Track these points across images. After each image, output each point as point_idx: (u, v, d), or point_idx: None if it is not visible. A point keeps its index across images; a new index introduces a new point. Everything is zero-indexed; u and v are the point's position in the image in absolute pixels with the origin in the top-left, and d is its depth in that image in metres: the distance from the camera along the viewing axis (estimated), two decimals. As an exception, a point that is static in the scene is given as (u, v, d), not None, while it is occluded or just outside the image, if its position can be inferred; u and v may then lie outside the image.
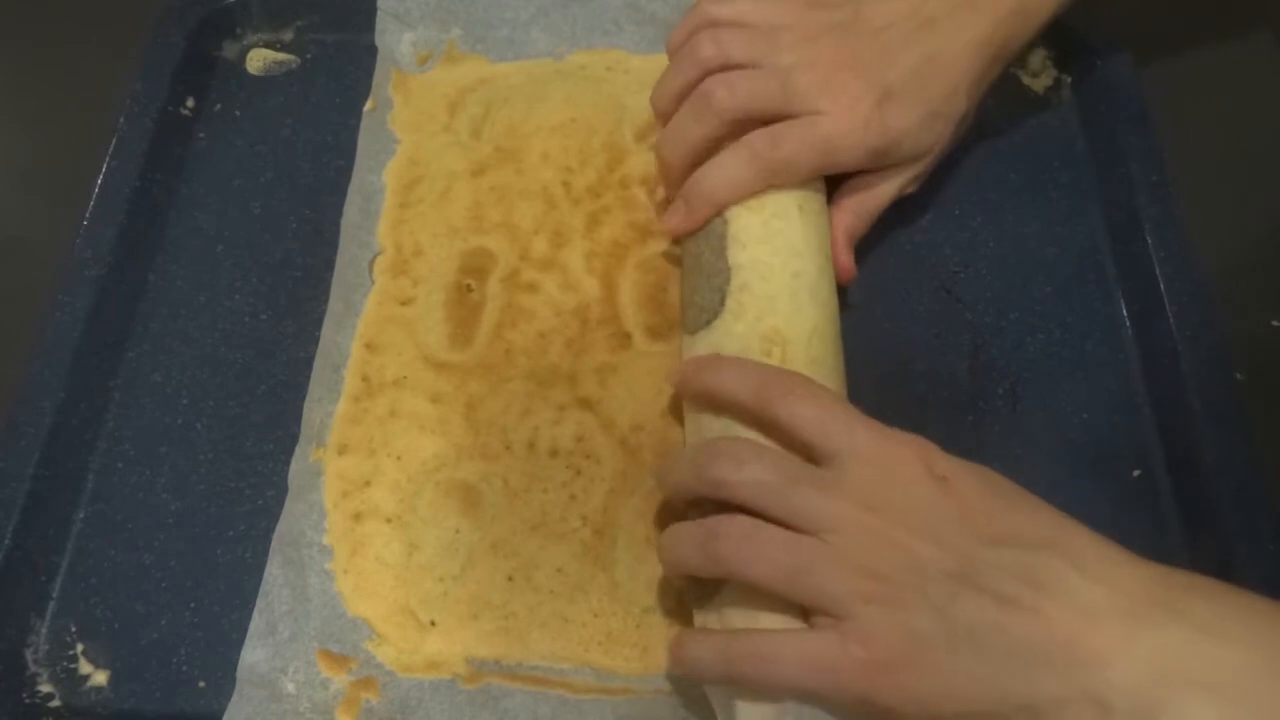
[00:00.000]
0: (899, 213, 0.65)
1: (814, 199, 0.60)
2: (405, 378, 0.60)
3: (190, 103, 0.70)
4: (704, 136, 0.59)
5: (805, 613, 0.47)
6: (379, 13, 0.72)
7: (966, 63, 0.60)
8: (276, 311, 0.63)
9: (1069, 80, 0.71)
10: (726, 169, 0.58)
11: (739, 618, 0.48)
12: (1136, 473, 0.58)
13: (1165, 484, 0.58)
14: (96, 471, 0.59)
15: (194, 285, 0.65)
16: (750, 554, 0.46)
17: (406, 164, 0.67)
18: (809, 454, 0.48)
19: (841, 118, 0.58)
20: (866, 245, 0.64)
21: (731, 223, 0.58)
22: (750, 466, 0.47)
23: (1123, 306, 0.63)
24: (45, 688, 0.53)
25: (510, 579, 0.54)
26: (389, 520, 0.56)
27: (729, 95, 0.58)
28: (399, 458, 0.57)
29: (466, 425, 0.58)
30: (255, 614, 0.53)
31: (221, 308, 0.64)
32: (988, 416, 0.59)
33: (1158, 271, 0.61)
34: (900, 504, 0.46)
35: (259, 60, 0.73)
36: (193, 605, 0.55)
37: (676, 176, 0.61)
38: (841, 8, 0.61)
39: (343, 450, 0.58)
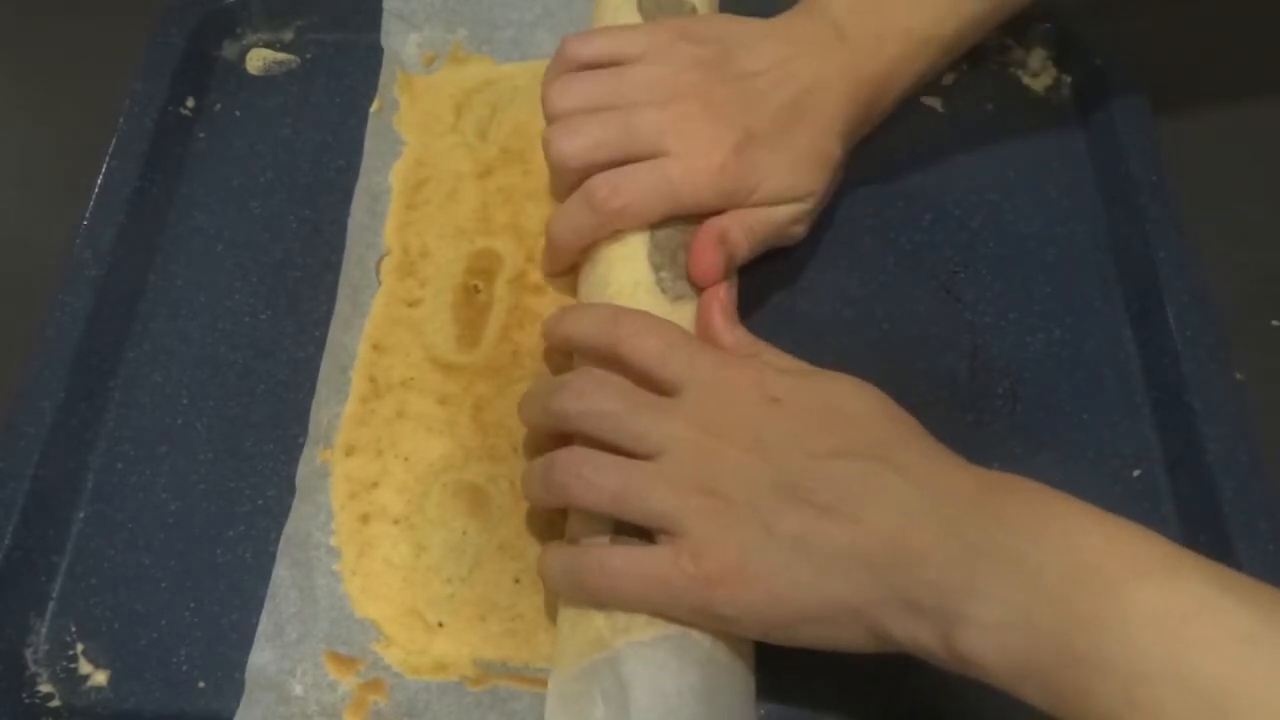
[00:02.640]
0: (899, 212, 0.66)
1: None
2: (413, 379, 0.60)
3: (190, 103, 0.70)
4: (561, 190, 0.60)
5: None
6: (384, 14, 0.72)
7: (834, 112, 0.59)
8: (276, 311, 0.63)
9: (1069, 80, 0.71)
10: (569, 216, 0.58)
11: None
12: (1136, 473, 0.58)
13: (1165, 484, 0.58)
14: (96, 471, 0.59)
15: (194, 285, 0.64)
16: (583, 481, 0.48)
17: (413, 165, 0.67)
18: (656, 387, 0.50)
19: (692, 162, 0.57)
20: (867, 245, 0.65)
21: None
22: (590, 397, 0.50)
23: (1123, 306, 0.63)
24: (45, 688, 0.53)
25: (518, 580, 0.54)
26: (396, 521, 0.56)
27: (568, 144, 0.58)
28: (406, 459, 0.57)
29: (474, 427, 0.58)
30: (263, 615, 0.53)
31: (221, 308, 0.63)
32: (988, 416, 0.59)
33: (1158, 271, 0.61)
34: (733, 424, 0.48)
35: (259, 60, 0.73)
36: (193, 605, 0.55)
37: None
38: (710, 43, 0.60)
39: (350, 451, 0.58)
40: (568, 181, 0.59)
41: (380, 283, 0.63)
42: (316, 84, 0.72)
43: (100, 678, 0.53)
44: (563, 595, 0.50)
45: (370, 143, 0.68)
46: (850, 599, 0.44)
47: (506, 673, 0.52)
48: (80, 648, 0.54)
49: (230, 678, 0.52)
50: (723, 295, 0.55)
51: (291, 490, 0.57)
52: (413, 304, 0.62)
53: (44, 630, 0.54)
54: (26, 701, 0.53)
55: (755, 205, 0.59)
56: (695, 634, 0.47)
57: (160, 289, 0.64)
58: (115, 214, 0.64)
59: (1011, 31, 0.71)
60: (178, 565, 0.56)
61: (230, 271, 0.65)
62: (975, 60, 0.71)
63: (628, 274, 0.57)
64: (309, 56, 0.73)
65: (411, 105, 0.70)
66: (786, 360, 0.53)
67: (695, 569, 0.46)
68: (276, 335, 0.62)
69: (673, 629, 0.47)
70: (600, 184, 0.57)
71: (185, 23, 0.71)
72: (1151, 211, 0.63)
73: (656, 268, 0.56)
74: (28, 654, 0.54)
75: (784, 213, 0.60)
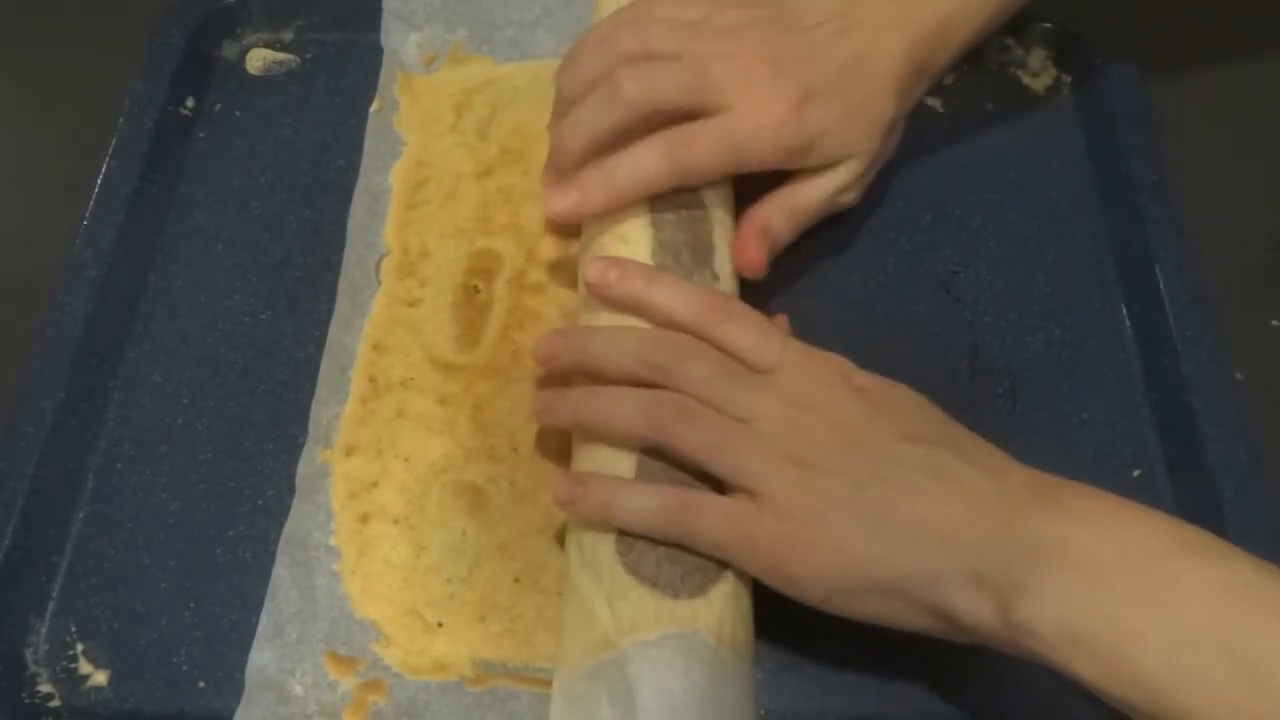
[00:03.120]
0: (899, 212, 0.66)
1: (672, 216, 0.58)
2: (412, 379, 0.60)
3: (190, 103, 0.70)
4: (611, 126, 0.59)
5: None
6: (384, 14, 0.72)
7: (890, 68, 0.60)
8: (276, 311, 0.63)
9: (1069, 80, 0.71)
10: (638, 161, 0.58)
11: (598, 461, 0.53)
12: (1136, 473, 0.59)
13: (1165, 484, 0.58)
14: (96, 471, 0.59)
15: (194, 285, 0.64)
16: (686, 425, 0.50)
17: (413, 165, 0.67)
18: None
19: (756, 114, 0.57)
20: (867, 245, 0.65)
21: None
22: (691, 359, 0.52)
23: (1123, 306, 0.63)
24: (45, 688, 0.53)
25: (517, 581, 0.54)
26: (396, 521, 0.56)
27: (643, 86, 0.58)
28: (406, 459, 0.57)
29: (474, 427, 0.58)
30: (263, 615, 0.53)
31: (221, 308, 0.64)
32: (988, 416, 0.59)
33: (1158, 271, 0.62)
34: (822, 403, 0.51)
35: (259, 60, 0.73)
36: (193, 605, 0.55)
37: (570, 165, 0.60)
38: (766, 5, 0.61)
39: (350, 451, 0.58)
40: (624, 125, 0.58)
41: (380, 283, 0.63)
42: (316, 84, 0.72)
43: (100, 678, 0.53)
44: (636, 527, 0.50)
45: (370, 143, 0.68)
46: (920, 572, 0.47)
47: (506, 673, 0.52)
48: (80, 648, 0.54)
49: (230, 678, 0.52)
50: (760, 220, 0.59)
51: (291, 490, 0.57)
52: (413, 304, 0.62)
53: (44, 630, 0.54)
54: (26, 701, 0.53)
55: (812, 166, 0.60)
56: (702, 633, 0.47)
57: (160, 289, 0.64)
58: (115, 214, 0.64)
59: (1011, 31, 0.71)
60: (178, 565, 0.56)
61: (230, 271, 0.65)
62: (975, 60, 0.71)
63: None
64: (309, 56, 0.73)
65: (411, 105, 0.70)
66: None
67: (778, 526, 0.48)
68: (276, 335, 0.62)
69: (679, 627, 0.47)
70: (675, 134, 0.58)
71: (185, 23, 0.72)
72: (1151, 211, 0.63)
73: (660, 268, 0.56)
74: (28, 654, 0.54)
75: (834, 180, 0.60)
